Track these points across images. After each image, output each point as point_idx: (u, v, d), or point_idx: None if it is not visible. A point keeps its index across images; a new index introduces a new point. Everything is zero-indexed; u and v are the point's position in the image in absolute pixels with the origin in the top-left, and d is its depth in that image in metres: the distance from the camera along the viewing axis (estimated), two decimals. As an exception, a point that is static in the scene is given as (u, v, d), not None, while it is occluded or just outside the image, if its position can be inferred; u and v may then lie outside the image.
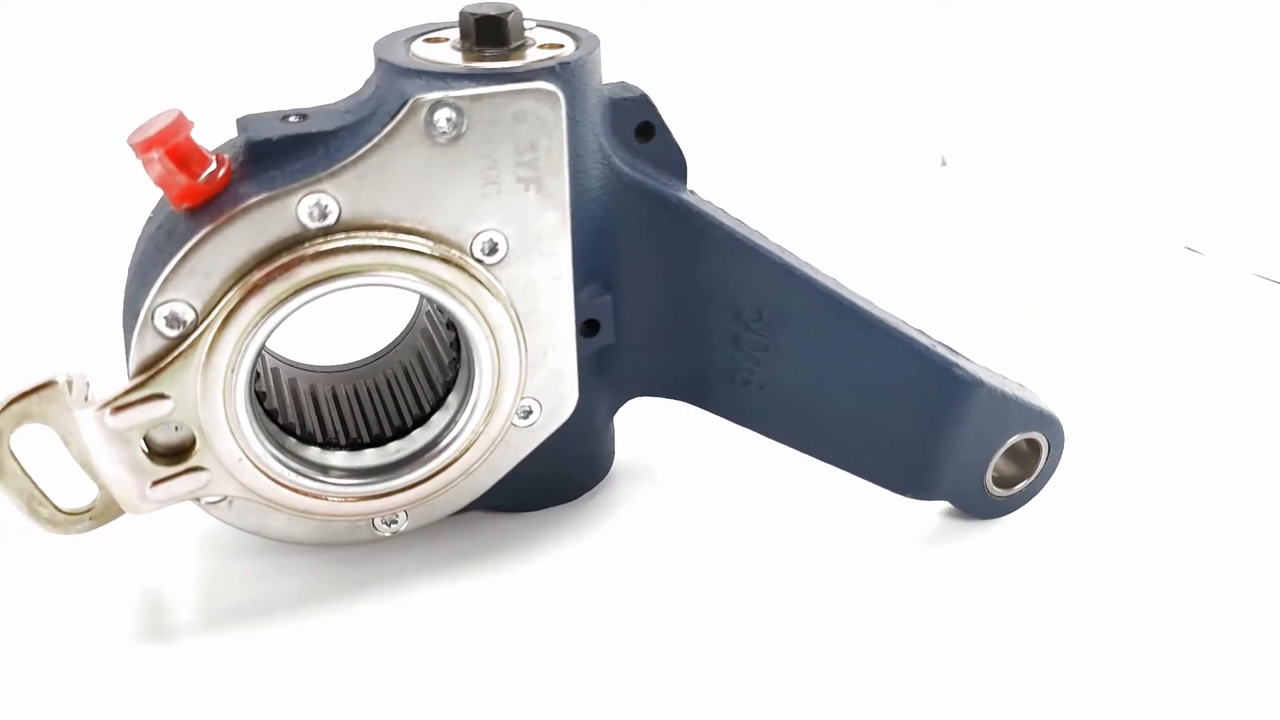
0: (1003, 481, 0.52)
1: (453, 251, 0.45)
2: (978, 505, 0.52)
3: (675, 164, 0.50)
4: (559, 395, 0.50)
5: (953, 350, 0.50)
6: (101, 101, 0.77)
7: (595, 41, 0.48)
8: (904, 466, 0.51)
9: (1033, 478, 0.52)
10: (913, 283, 0.72)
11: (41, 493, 0.45)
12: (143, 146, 0.41)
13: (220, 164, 0.43)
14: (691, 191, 0.50)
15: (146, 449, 0.44)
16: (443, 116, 0.43)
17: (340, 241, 0.43)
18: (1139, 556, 0.51)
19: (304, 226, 0.43)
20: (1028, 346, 0.56)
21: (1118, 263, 0.81)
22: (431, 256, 0.44)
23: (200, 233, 0.42)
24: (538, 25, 0.50)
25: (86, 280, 0.73)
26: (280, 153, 0.43)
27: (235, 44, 0.74)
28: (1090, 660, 0.45)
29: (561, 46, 0.47)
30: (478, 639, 0.47)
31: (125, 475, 0.44)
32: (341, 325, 0.55)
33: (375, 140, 0.43)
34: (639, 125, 0.49)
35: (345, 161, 0.43)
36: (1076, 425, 0.53)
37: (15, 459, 0.44)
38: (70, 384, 0.44)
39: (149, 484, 0.44)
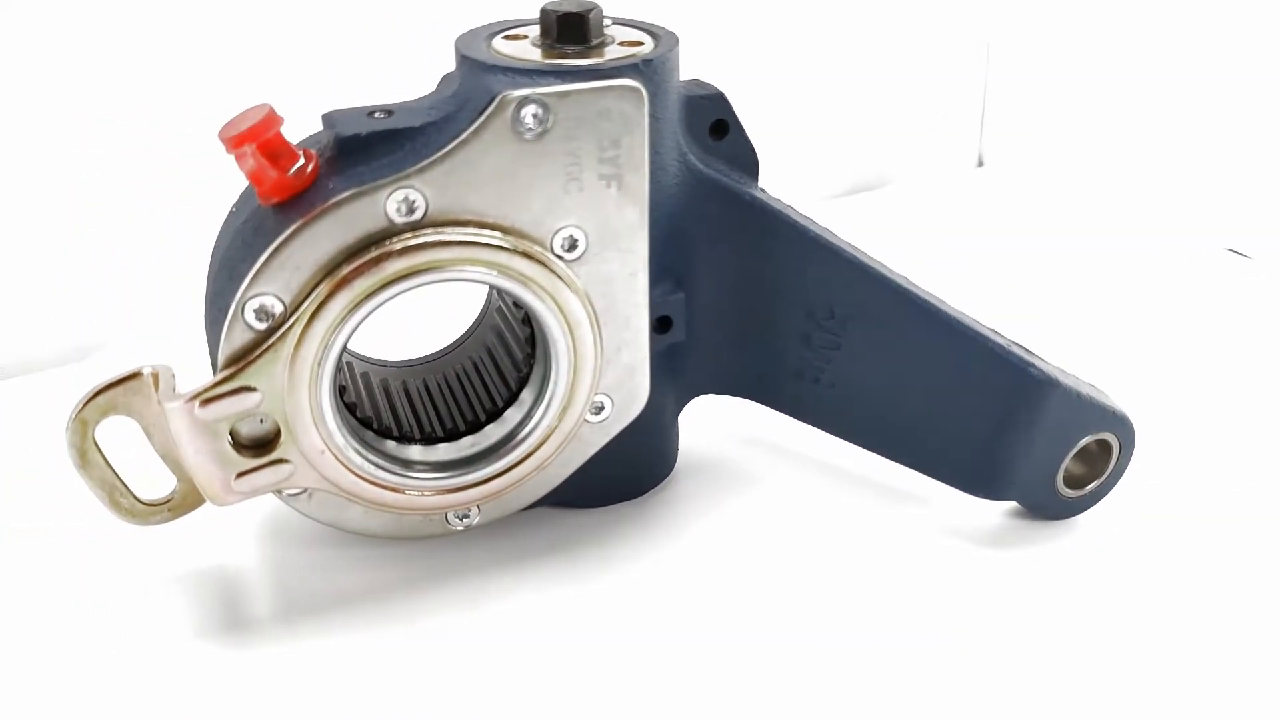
0: (1072, 482, 0.52)
1: (534, 247, 0.45)
2: (1047, 506, 0.52)
3: (748, 162, 0.51)
4: (631, 392, 0.50)
5: (1027, 350, 0.50)
6: (122, 99, 0.77)
7: (674, 39, 0.48)
8: (976, 466, 0.51)
9: (1103, 478, 0.52)
10: (949, 282, 0.72)
11: (124, 484, 0.45)
12: (235, 141, 0.42)
13: (308, 159, 0.43)
14: (763, 189, 0.50)
15: (232, 441, 0.44)
16: (529, 113, 0.43)
17: (427, 237, 0.43)
18: (1189, 558, 0.51)
19: (391, 221, 0.43)
20: (1067, 348, 0.56)
21: (1159, 264, 0.81)
22: (514, 252, 0.45)
23: (291, 227, 0.42)
24: (615, 23, 0.50)
25: (87, 278, 0.73)
26: (368, 148, 0.43)
27: (283, 41, 0.74)
28: (1149, 665, 0.45)
29: (641, 44, 0.48)
30: (546, 635, 0.47)
31: (211, 467, 0.44)
32: (402, 320, 0.55)
33: (463, 136, 0.43)
34: (714, 123, 0.50)
35: (433, 157, 0.43)
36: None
37: (100, 450, 0.45)
38: (156, 376, 0.44)
39: (234, 476, 0.44)
